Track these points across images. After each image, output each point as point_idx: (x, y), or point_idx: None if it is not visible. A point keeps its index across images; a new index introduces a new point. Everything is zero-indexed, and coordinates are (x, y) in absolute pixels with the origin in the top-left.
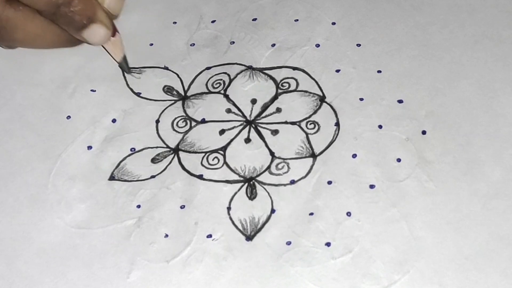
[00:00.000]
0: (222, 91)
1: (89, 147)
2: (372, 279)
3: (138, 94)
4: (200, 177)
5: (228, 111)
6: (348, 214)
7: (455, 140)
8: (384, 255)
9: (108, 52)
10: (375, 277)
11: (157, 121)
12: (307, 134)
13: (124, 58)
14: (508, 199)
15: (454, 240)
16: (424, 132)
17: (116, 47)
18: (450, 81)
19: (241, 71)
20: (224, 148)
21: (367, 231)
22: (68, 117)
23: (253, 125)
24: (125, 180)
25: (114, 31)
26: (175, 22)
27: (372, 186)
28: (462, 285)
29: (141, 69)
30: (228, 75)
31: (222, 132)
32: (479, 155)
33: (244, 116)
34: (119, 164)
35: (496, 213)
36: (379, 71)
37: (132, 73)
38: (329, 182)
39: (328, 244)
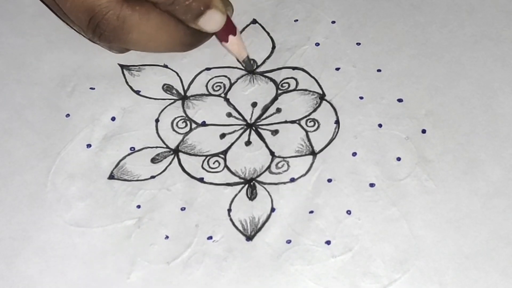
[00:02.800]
0: (223, 95)
1: (88, 145)
2: (372, 277)
3: (137, 92)
4: (201, 180)
5: (229, 115)
6: (348, 212)
7: (455, 139)
8: (384, 254)
9: (231, 52)
10: (375, 275)
11: (157, 121)
12: (307, 132)
13: (248, 57)
14: (508, 198)
15: (454, 239)
16: (424, 131)
17: (240, 46)
18: (450, 80)
19: (242, 76)
20: (224, 152)
21: (367, 229)
22: (67, 115)
23: (254, 128)
24: (125, 180)
25: (235, 31)
26: None
27: (372, 185)
28: (462, 284)
29: (140, 66)
30: (229, 78)
31: (222, 136)
32: (479, 154)
33: (244, 120)
34: (118, 163)
35: (496, 212)
36: (378, 70)
37: (255, 72)
38: (329, 180)
39: (328, 243)
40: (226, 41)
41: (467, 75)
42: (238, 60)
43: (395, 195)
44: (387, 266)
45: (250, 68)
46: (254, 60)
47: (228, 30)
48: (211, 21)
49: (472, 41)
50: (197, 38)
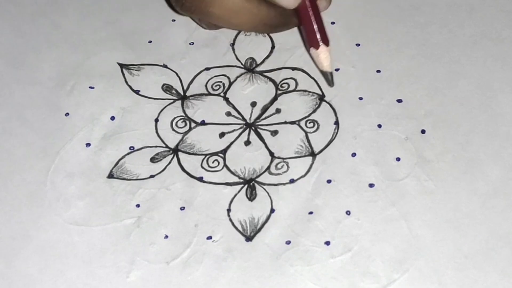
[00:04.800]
0: (222, 94)
1: (88, 145)
2: (371, 277)
3: (137, 92)
4: (200, 179)
5: (228, 114)
6: (348, 213)
7: (455, 139)
8: (383, 254)
9: (316, 61)
10: (374, 275)
11: (156, 120)
12: (306, 133)
13: (332, 73)
14: (507, 198)
15: (453, 239)
16: (423, 131)
17: (329, 58)
18: (449, 80)
19: (241, 74)
20: (224, 151)
21: (367, 230)
22: (67, 114)
23: (253, 128)
24: (124, 179)
25: (328, 41)
26: (174, 20)
27: (371, 185)
28: (462, 284)
29: (140, 66)
30: (228, 77)
31: (222, 135)
32: (479, 154)
33: (244, 119)
34: (118, 162)
35: (495, 212)
36: (378, 71)
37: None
38: (329, 181)
39: (327, 243)
40: (316, 48)
41: (467, 75)
42: (321, 72)
43: (394, 195)
44: (387, 266)
45: (330, 82)
46: (253, 59)
47: (322, 37)
48: None
49: (471, 41)
50: (280, 20)
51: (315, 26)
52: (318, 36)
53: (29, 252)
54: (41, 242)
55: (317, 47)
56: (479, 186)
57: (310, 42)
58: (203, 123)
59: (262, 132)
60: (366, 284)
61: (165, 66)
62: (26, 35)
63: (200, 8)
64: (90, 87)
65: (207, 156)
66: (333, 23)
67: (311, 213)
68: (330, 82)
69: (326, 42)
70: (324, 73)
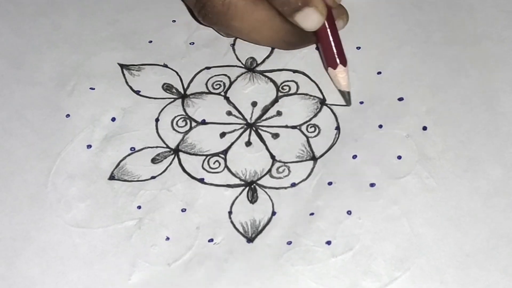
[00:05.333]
0: (223, 93)
1: (89, 146)
2: (373, 276)
3: (137, 92)
4: (201, 180)
5: (229, 113)
6: (349, 212)
7: (456, 137)
8: (384, 252)
9: (334, 80)
10: (376, 274)
11: (157, 120)
12: (307, 137)
13: (349, 93)
14: (509, 197)
15: (454, 237)
16: (425, 128)
17: (343, 77)
18: (451, 78)
19: (241, 74)
20: (225, 152)
21: (368, 228)
22: (67, 115)
23: (254, 128)
24: (125, 180)
25: (345, 62)
26: (174, 21)
27: (372, 185)
28: (463, 282)
29: (140, 66)
30: (228, 77)
31: (223, 135)
32: (480, 152)
33: (244, 119)
34: (119, 164)
35: (496, 210)
36: (379, 72)
37: (350, 105)
38: (330, 183)
39: (328, 243)
40: (334, 68)
41: (468, 73)
42: (339, 91)
43: (395, 194)
44: (388, 265)
45: (348, 102)
46: (253, 59)
47: (340, 58)
48: (308, 18)
49: (472, 41)
50: (300, 39)
51: (333, 47)
52: (336, 56)
53: (30, 253)
54: (42, 244)
55: (335, 67)
56: (481, 185)
57: (328, 62)
58: (203, 122)
59: (263, 134)
60: (367, 282)
61: (165, 65)
62: (26, 35)
63: (222, 20)
64: (91, 88)
65: (208, 157)
66: None
67: (312, 214)
68: (348, 101)
69: (343, 62)
70: (342, 93)
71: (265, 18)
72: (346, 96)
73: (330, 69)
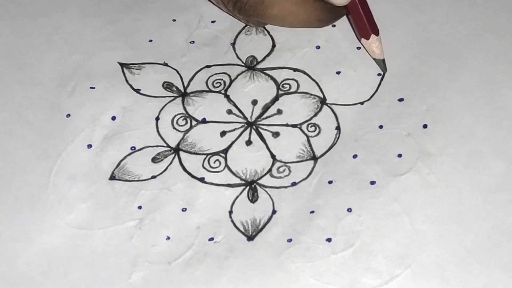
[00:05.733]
0: (223, 91)
1: (89, 146)
2: (373, 273)
3: (137, 91)
4: (202, 180)
5: (229, 112)
6: (349, 210)
7: (457, 132)
8: (385, 249)
9: (368, 50)
10: (376, 271)
11: (157, 119)
12: (308, 137)
13: (384, 60)
14: (510, 192)
15: (455, 233)
16: (425, 126)
17: (379, 47)
18: (451, 74)
19: (242, 72)
20: (225, 151)
21: (368, 225)
22: (68, 115)
23: (254, 127)
24: (126, 180)
25: (377, 31)
26: (174, 20)
27: (372, 183)
28: (464, 279)
29: (140, 65)
30: (229, 75)
31: (223, 134)
32: (481, 147)
33: (245, 117)
34: (119, 164)
35: (498, 206)
36: (379, 73)
37: (386, 71)
38: (330, 182)
39: (329, 240)
40: (367, 38)
41: (469, 68)
42: (374, 60)
43: (396, 191)
44: (388, 262)
45: (384, 70)
46: (254, 57)
47: (371, 28)
48: None
49: (473, 35)
50: (332, 15)
51: (365, 18)
52: (368, 27)
53: (31, 255)
54: (43, 245)
55: (368, 37)
56: (482, 180)
57: (360, 33)
58: (204, 121)
59: (263, 133)
60: (368, 279)
61: (165, 64)
62: (26, 35)
63: (258, 10)
64: (91, 87)
65: (209, 156)
66: (333, 26)
67: (312, 212)
68: (384, 68)
69: (375, 32)
70: (377, 61)
71: (299, 1)
72: (381, 64)
73: (363, 39)
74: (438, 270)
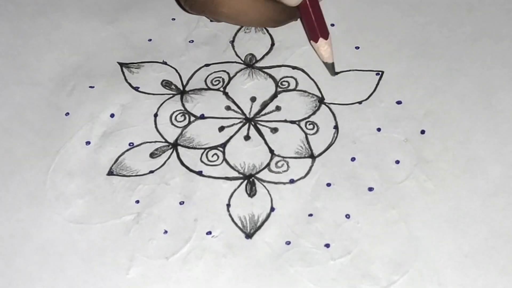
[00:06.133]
0: (222, 89)
1: (87, 143)
2: (371, 279)
3: (136, 89)
4: (200, 173)
5: (228, 108)
6: (347, 216)
7: (455, 137)
8: (383, 256)
9: (317, 53)
10: (374, 277)
11: (155, 115)
12: (306, 134)
13: (333, 63)
14: (508, 196)
15: (453, 238)
16: (423, 132)
17: (328, 51)
18: (449, 78)
19: (241, 70)
20: (223, 145)
21: (366, 232)
22: (67, 113)
23: (253, 123)
24: (124, 175)
25: (327, 35)
26: (173, 19)
27: (370, 189)
28: (462, 283)
29: (139, 64)
30: (228, 73)
31: (221, 129)
32: (479, 152)
33: (243, 113)
34: (117, 159)
35: (495, 210)
36: (377, 73)
37: (336, 75)
38: (328, 184)
39: (327, 246)
40: (316, 41)
41: (467, 72)
42: (323, 63)
43: (394, 198)
44: (386, 268)
45: (333, 74)
46: (253, 55)
47: (320, 31)
48: None
49: (471, 39)
50: (285, 15)
51: (314, 20)
52: (317, 30)
53: (29, 250)
54: (41, 241)
55: (316, 40)
56: (479, 185)
57: (310, 36)
58: (202, 117)
59: (262, 128)
60: (365, 285)
61: (164, 63)
62: (26, 35)
63: (210, 8)
64: (90, 87)
65: (207, 150)
66: (332, 25)
67: (310, 215)
68: (332, 72)
69: (325, 35)
70: (326, 64)
71: (249, 1)
72: (330, 67)
73: (312, 42)
74: (436, 274)
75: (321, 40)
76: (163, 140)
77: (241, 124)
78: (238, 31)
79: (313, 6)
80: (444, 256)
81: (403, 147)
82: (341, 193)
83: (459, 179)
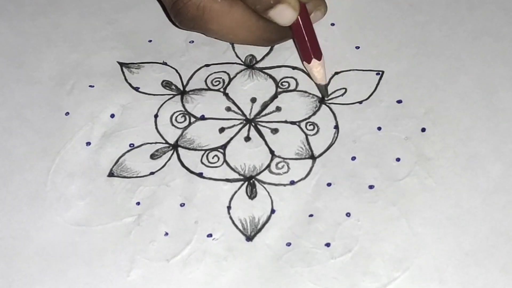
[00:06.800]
0: (222, 89)
1: (88, 143)
2: (372, 277)
3: (136, 89)
4: (200, 175)
5: (228, 109)
6: (348, 214)
7: (455, 135)
8: (383, 253)
9: (310, 74)
10: (375, 275)
11: (156, 116)
12: (306, 135)
13: (325, 85)
14: (508, 194)
15: (454, 236)
16: (423, 130)
17: (320, 73)
18: (450, 76)
19: (241, 71)
20: (224, 147)
21: (367, 230)
22: (67, 113)
23: (253, 124)
24: (124, 177)
25: (320, 56)
26: None
27: (371, 187)
28: (462, 281)
29: (139, 64)
30: (228, 74)
31: (222, 130)
32: (479, 149)
33: (244, 114)
34: (118, 161)
35: (496, 208)
36: (378, 73)
37: (327, 98)
38: (329, 184)
39: (327, 245)
40: (309, 62)
41: (467, 70)
42: (316, 84)
43: (394, 195)
44: (387, 265)
45: (325, 94)
46: (253, 56)
47: (313, 52)
48: (281, 15)
49: (471, 37)
50: (277, 35)
51: (307, 41)
52: (310, 51)
53: (29, 252)
54: (42, 243)
55: (309, 61)
56: (480, 182)
57: (303, 56)
58: (202, 117)
59: (262, 129)
60: (366, 283)
61: (164, 63)
62: (26, 34)
63: (199, 24)
64: (90, 86)
65: (207, 152)
66: (332, 24)
67: (311, 215)
68: (325, 94)
69: (318, 56)
70: (318, 85)
71: (240, 18)
72: (322, 89)
73: (305, 63)
74: (437, 272)
75: (314, 61)
76: (164, 141)
77: (241, 125)
78: None
79: (305, 26)
80: (445, 253)
81: (403, 145)
82: (341, 192)
83: (460, 177)
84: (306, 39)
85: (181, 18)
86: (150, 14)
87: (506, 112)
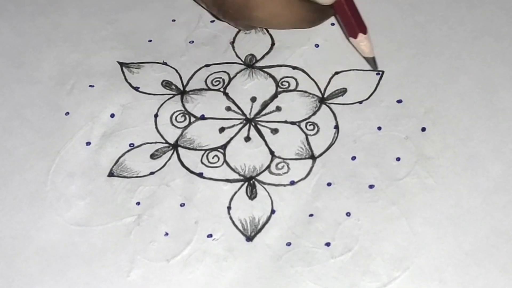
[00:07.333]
0: (222, 89)
1: (88, 143)
2: (372, 276)
3: (136, 89)
4: (200, 175)
5: (228, 109)
6: (348, 214)
7: (455, 135)
8: (384, 252)
9: (357, 49)
10: (375, 274)
11: (156, 116)
12: (306, 135)
13: (374, 58)
14: (508, 194)
15: (454, 236)
16: (423, 129)
17: (367, 46)
18: (450, 76)
19: (241, 70)
20: (224, 147)
21: (367, 229)
22: (67, 113)
23: (253, 123)
24: (124, 177)
25: (365, 30)
26: (174, 20)
27: (371, 186)
28: (462, 281)
29: (139, 64)
30: (228, 73)
31: (222, 130)
32: (479, 149)
33: (243, 114)
34: (118, 160)
35: (496, 208)
36: (378, 73)
37: (377, 70)
38: (329, 184)
39: (328, 244)
40: (355, 37)
41: (467, 70)
42: (364, 58)
43: (394, 194)
44: (387, 264)
45: (375, 68)
46: (253, 55)
47: (358, 27)
48: None
49: (471, 37)
50: (319, 15)
51: (351, 17)
52: (355, 26)
53: (30, 252)
54: (42, 243)
55: (355, 36)
56: (480, 182)
57: (348, 32)
58: (202, 117)
59: (262, 129)
60: (366, 282)
61: (164, 63)
62: (26, 34)
63: (243, 14)
64: (90, 86)
65: (207, 152)
66: (332, 24)
67: (311, 215)
68: (374, 66)
69: (363, 30)
70: (367, 59)
71: (284, 3)
72: (371, 62)
73: (351, 38)
74: (437, 272)
75: (360, 35)
76: (164, 141)
77: (241, 125)
78: (238, 31)
79: (348, 3)
80: (445, 253)
81: (403, 145)
82: (341, 191)
83: (460, 176)
84: (350, 15)
85: (226, 10)
86: (150, 14)
87: (506, 112)
